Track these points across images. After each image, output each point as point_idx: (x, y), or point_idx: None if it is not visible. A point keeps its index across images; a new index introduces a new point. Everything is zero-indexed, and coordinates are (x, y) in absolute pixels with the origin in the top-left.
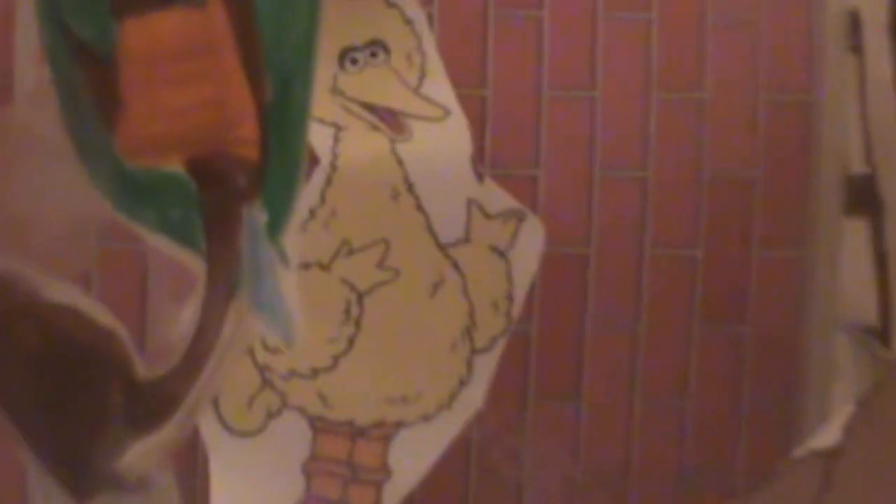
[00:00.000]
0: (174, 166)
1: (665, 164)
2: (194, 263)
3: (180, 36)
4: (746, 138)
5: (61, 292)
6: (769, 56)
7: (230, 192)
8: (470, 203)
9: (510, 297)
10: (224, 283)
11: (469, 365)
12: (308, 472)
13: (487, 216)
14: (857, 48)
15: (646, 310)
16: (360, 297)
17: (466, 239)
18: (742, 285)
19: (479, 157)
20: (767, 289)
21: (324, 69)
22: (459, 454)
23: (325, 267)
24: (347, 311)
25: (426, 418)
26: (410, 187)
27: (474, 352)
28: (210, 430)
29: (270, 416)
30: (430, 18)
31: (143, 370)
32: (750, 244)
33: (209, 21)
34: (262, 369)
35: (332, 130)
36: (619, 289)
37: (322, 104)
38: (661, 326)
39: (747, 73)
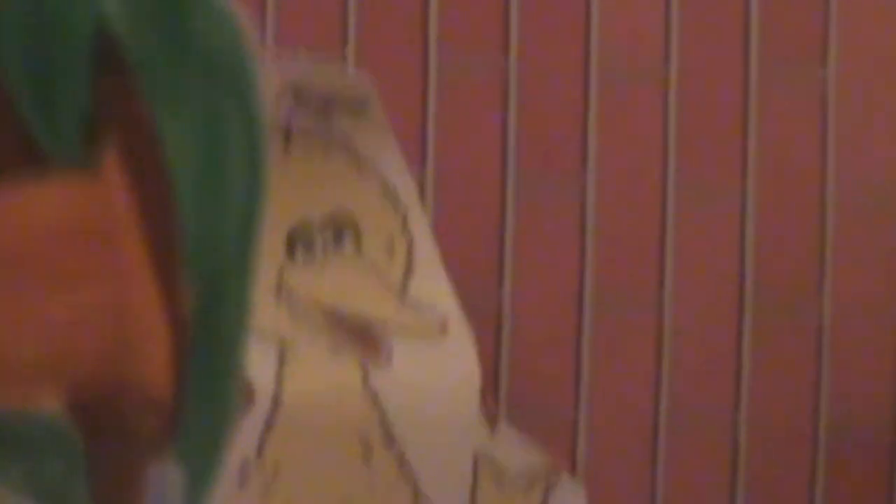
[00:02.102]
0: (50, 406)
1: (760, 411)
2: None
3: (61, 216)
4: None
5: None
6: None
7: (130, 445)
8: (477, 459)
9: None
10: None
11: None
12: None
13: (503, 480)
14: None
15: None
16: None
17: None
18: None
19: (490, 390)
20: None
21: (265, 259)
22: None
23: None
24: None
25: None
26: (390, 439)
27: None
28: None
29: None
30: (420, 185)
31: None
32: None
33: (104, 196)
34: None
35: (275, 349)
36: None
37: (262, 310)
38: None
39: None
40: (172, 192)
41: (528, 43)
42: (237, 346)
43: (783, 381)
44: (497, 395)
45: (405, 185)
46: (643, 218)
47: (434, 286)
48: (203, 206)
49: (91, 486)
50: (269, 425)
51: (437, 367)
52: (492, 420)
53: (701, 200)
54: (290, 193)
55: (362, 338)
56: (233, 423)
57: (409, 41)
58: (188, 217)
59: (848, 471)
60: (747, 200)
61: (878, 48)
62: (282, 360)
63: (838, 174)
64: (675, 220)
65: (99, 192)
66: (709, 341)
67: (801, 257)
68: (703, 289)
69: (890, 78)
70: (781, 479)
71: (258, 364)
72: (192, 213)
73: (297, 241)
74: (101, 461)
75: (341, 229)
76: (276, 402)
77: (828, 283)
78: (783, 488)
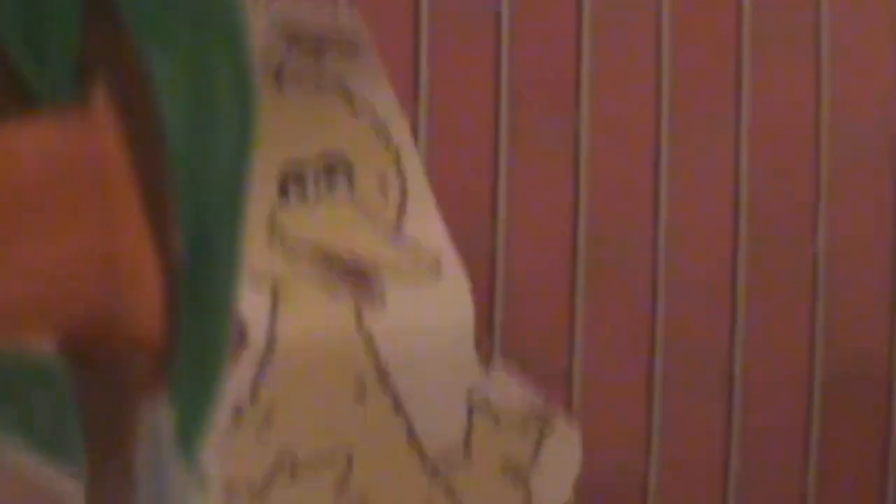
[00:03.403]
0: (40, 345)
1: (756, 356)
2: (67, 488)
3: (50, 156)
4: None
5: None
6: None
7: (123, 383)
8: (472, 400)
9: None
10: None
11: None
12: None
13: (497, 420)
14: None
15: None
16: None
17: (467, 453)
18: None
19: (485, 330)
20: None
21: (258, 200)
22: None
23: (258, 494)
24: None
25: None
26: (383, 378)
27: None
28: None
29: None
30: (413, 125)
31: None
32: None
33: (93, 141)
34: None
35: (267, 292)
36: None
37: (255, 252)
38: None
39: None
40: (162, 134)
41: None
42: (229, 288)
43: (779, 316)
44: (491, 335)
45: (398, 124)
46: (637, 156)
47: (428, 226)
48: (192, 147)
49: (82, 428)
50: (262, 367)
51: (431, 309)
52: (486, 361)
53: (695, 136)
54: (282, 134)
55: (356, 279)
56: (226, 365)
57: None
58: (178, 159)
59: (844, 398)
60: (741, 136)
61: None
62: (275, 302)
63: (833, 106)
64: (670, 158)
65: (89, 133)
66: (703, 280)
67: (795, 191)
68: (698, 227)
69: (885, 11)
70: (777, 414)
71: (251, 306)
72: (181, 154)
73: (289, 182)
74: (93, 403)
75: (334, 169)
76: (270, 344)
77: (822, 215)
78: (779, 422)
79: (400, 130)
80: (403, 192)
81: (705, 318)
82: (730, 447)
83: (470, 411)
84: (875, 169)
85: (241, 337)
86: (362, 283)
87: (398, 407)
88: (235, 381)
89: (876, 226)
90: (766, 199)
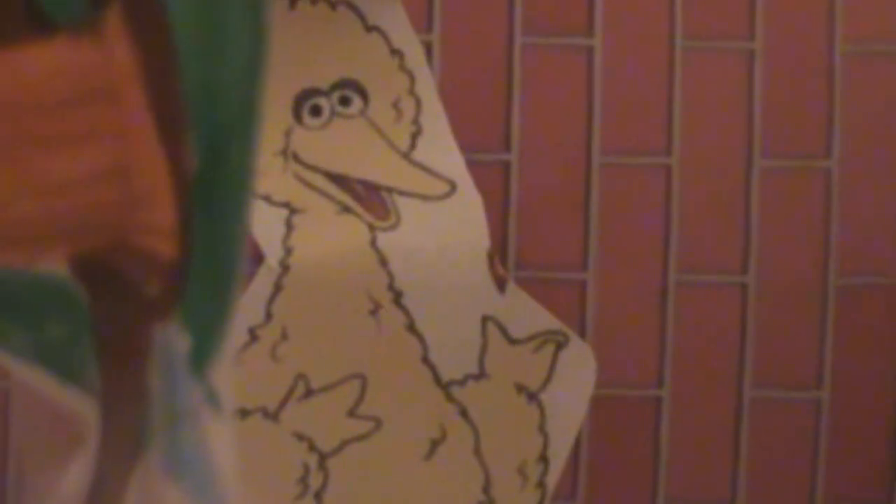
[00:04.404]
0: (54, 265)
1: (774, 266)
2: (82, 407)
3: (63, 76)
4: (888, 232)
5: None
6: None
7: (136, 304)
8: (486, 321)
9: (544, 460)
10: (126, 435)
11: None
12: None
13: (512, 341)
14: None
15: (744, 481)
16: (323, 460)
17: (481, 374)
18: (888, 444)
19: (499, 253)
20: None
21: (272, 123)
22: None
23: (271, 414)
24: (304, 481)
25: None
26: (398, 297)
27: None
28: None
29: None
30: (427, 49)
31: None
32: (891, 383)
33: (106, 57)
34: None
35: (283, 213)
36: (706, 449)
37: (269, 175)
38: (766, 502)
39: (890, 142)
40: (174, 54)
41: None
42: (242, 207)
43: (793, 229)
44: (505, 257)
45: (412, 49)
46: (651, 74)
47: (442, 148)
48: (204, 66)
49: (96, 348)
50: (277, 289)
51: (444, 230)
52: (500, 282)
53: (709, 57)
54: (296, 58)
55: (369, 198)
56: (239, 285)
57: None
58: (190, 78)
59: (856, 306)
60: (755, 53)
61: None
62: (289, 224)
63: (846, 25)
64: (682, 78)
65: (103, 52)
66: (717, 199)
67: (808, 111)
68: (711, 144)
69: None
70: (791, 319)
71: (265, 227)
72: (193, 73)
73: (303, 104)
74: (106, 323)
75: (348, 91)
76: (284, 265)
77: (836, 132)
78: (793, 325)
79: (414, 54)
80: (418, 115)
81: (719, 236)
82: (744, 357)
83: (484, 332)
84: (887, 88)
85: (255, 254)
86: (376, 202)
87: (412, 327)
88: (250, 302)
89: (887, 146)
90: (780, 114)
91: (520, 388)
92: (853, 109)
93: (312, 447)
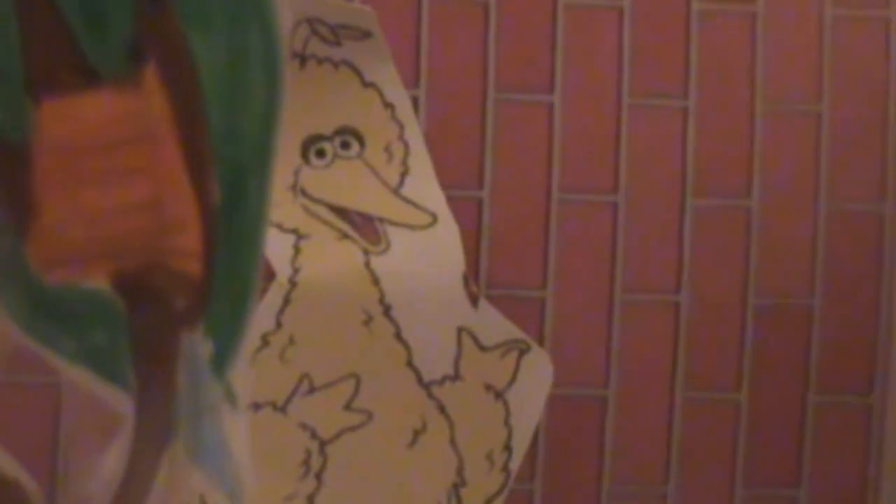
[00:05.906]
0: (98, 282)
1: (703, 287)
2: (120, 402)
3: (109, 123)
4: (804, 258)
5: None
6: (834, 153)
7: (166, 315)
8: (461, 332)
9: (508, 448)
10: (157, 426)
11: None
12: None
13: (482, 348)
14: None
15: (676, 468)
16: (323, 446)
17: (456, 376)
18: (796, 439)
19: (472, 274)
20: (828, 443)
21: (283, 163)
22: None
23: (280, 408)
24: (307, 463)
25: None
26: (387, 310)
27: None
28: None
29: None
30: (414, 103)
31: None
32: (807, 387)
33: (145, 105)
34: None
35: (291, 239)
36: (645, 441)
37: (280, 206)
38: (696, 488)
39: (806, 176)
40: (202, 102)
41: None
42: (258, 235)
43: (718, 260)
44: (478, 277)
45: (402, 102)
46: (601, 124)
47: (426, 186)
48: (228, 113)
49: (132, 352)
50: (286, 302)
51: (427, 254)
52: (474, 299)
53: (650, 108)
54: (304, 108)
55: (365, 228)
56: (255, 300)
57: None
58: (215, 123)
59: (771, 331)
60: (689, 110)
61: None
62: (297, 247)
63: (766, 87)
64: (628, 129)
65: (142, 101)
66: (655, 231)
67: (733, 158)
68: (651, 186)
69: None
70: (717, 332)
71: (277, 250)
72: (218, 119)
73: (310, 147)
74: (141, 331)
75: (348, 137)
76: (292, 281)
77: (756, 176)
78: (718, 349)
79: (404, 107)
80: (406, 158)
81: (657, 259)
82: (677, 363)
83: (459, 340)
84: (800, 136)
85: (268, 273)
86: (370, 231)
87: (399, 335)
88: (263, 313)
89: (801, 182)
90: (708, 164)
91: (488, 388)
92: (770, 157)
93: (314, 435)
